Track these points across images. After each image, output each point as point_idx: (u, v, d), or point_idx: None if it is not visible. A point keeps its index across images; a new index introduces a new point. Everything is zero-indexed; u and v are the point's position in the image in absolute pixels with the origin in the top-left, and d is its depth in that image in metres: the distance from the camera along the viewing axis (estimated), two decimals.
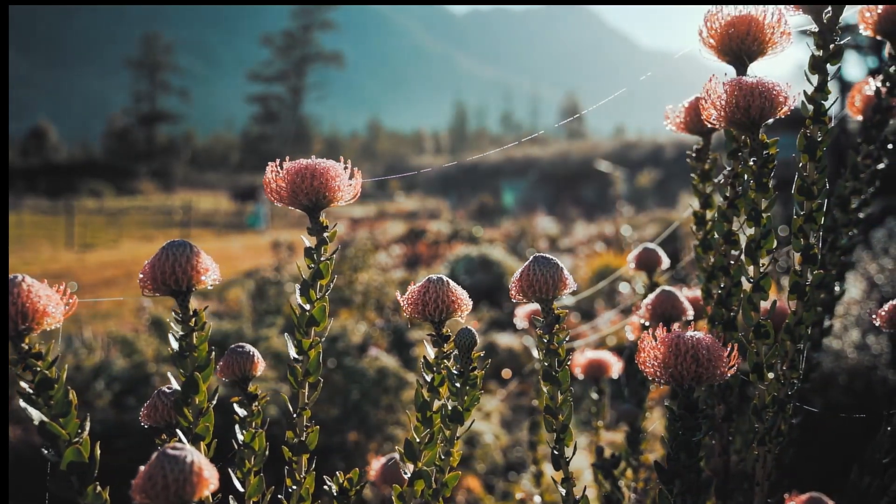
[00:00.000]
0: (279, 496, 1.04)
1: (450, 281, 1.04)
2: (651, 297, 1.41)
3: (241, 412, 1.08)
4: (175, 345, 0.93)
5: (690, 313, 1.39)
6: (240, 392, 1.10)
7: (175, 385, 0.96)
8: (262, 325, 5.34)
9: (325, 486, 1.02)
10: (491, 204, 32.60)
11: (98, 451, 0.85)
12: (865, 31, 1.41)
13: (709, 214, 1.31)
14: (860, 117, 1.52)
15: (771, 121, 1.23)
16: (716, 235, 1.22)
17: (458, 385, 0.99)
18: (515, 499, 2.60)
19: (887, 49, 1.39)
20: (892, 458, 1.14)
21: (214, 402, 0.97)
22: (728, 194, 1.13)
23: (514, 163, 46.34)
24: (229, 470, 1.07)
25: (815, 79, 1.07)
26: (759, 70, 1.08)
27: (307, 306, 1.02)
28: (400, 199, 49.25)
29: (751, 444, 1.08)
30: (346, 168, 1.03)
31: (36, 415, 0.81)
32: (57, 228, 25.66)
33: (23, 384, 0.84)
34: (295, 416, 1.04)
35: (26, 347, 0.85)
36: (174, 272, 0.90)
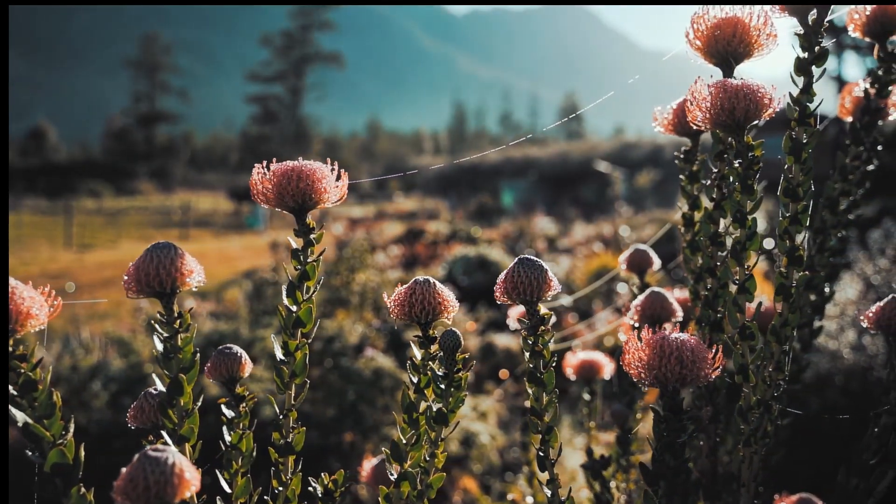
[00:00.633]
0: (265, 497, 1.05)
1: (436, 282, 1.04)
2: (640, 298, 1.41)
3: (229, 413, 1.08)
4: (160, 346, 0.93)
5: (679, 314, 1.39)
6: (228, 393, 1.10)
7: (160, 387, 0.96)
8: (258, 325, 5.35)
9: (310, 488, 1.02)
10: (490, 204, 32.60)
11: (83, 453, 0.85)
12: (854, 33, 1.41)
13: (697, 216, 1.31)
14: (850, 118, 1.52)
15: (762, 122, 1.23)
16: (700, 237, 1.22)
17: (442, 387, 0.99)
18: (508, 500, 2.60)
19: (876, 50, 1.40)
20: (878, 460, 1.14)
21: (199, 403, 0.97)
22: (714, 196, 1.13)
23: (513, 163, 46.34)
24: (217, 471, 1.07)
25: (800, 80, 1.07)
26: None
27: (294, 308, 1.02)
28: (399, 200, 49.26)
29: (736, 446, 1.08)
30: (333, 170, 1.03)
31: (20, 416, 0.81)
32: (56, 229, 25.66)
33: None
34: (281, 417, 1.04)
35: (11, 349, 0.85)
36: (158, 274, 0.90)
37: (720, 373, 1.12)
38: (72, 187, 52.70)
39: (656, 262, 1.68)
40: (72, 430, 0.85)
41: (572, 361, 1.87)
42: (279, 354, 1.03)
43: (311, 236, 1.03)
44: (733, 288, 1.06)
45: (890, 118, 1.50)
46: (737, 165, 1.03)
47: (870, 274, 4.19)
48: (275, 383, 1.00)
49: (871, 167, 1.49)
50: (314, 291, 1.03)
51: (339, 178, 1.03)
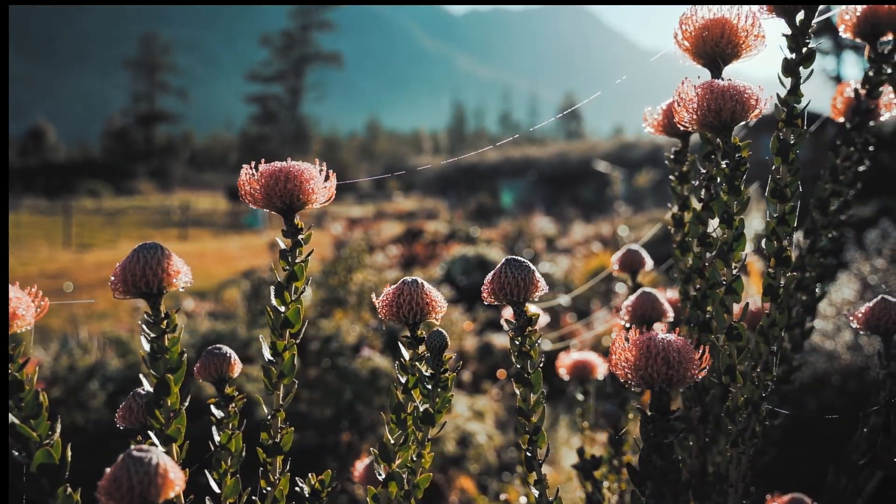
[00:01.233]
0: (253, 498, 1.05)
1: (424, 283, 1.04)
2: (631, 298, 1.41)
3: (219, 413, 1.08)
4: (147, 347, 0.93)
5: (670, 315, 1.39)
6: (218, 393, 1.10)
7: (148, 387, 0.97)
8: (256, 325, 5.35)
9: (297, 488, 1.02)
10: (489, 204, 32.61)
11: (69, 453, 0.86)
12: (845, 34, 1.41)
13: (687, 216, 1.31)
14: (842, 119, 1.53)
15: (752, 122, 1.23)
16: (690, 238, 1.22)
17: (429, 387, 0.99)
18: (501, 500, 2.60)
19: (866, 51, 1.40)
20: (868, 460, 1.14)
21: (187, 403, 0.97)
22: (703, 197, 1.14)
23: (512, 163, 46.33)
24: (206, 471, 1.07)
25: (788, 82, 1.07)
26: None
27: (282, 308, 1.02)
28: (398, 200, 49.25)
29: (724, 446, 1.08)
30: (321, 170, 1.03)
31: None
32: (55, 228, 25.66)
33: None
34: (269, 417, 1.04)
35: None
36: (145, 274, 0.90)
37: (708, 373, 1.12)
38: (71, 187, 52.70)
39: (648, 263, 1.68)
40: (58, 430, 0.85)
41: (566, 362, 1.87)
42: (267, 355, 1.03)
43: (300, 237, 1.03)
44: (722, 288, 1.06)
45: (881, 119, 1.50)
46: (724, 166, 1.03)
47: (867, 274, 4.20)
48: (263, 384, 1.00)
49: (862, 168, 1.49)
50: (302, 292, 1.03)
51: (327, 178, 1.03)
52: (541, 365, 1.02)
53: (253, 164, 1.03)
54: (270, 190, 0.98)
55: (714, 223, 1.08)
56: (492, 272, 1.02)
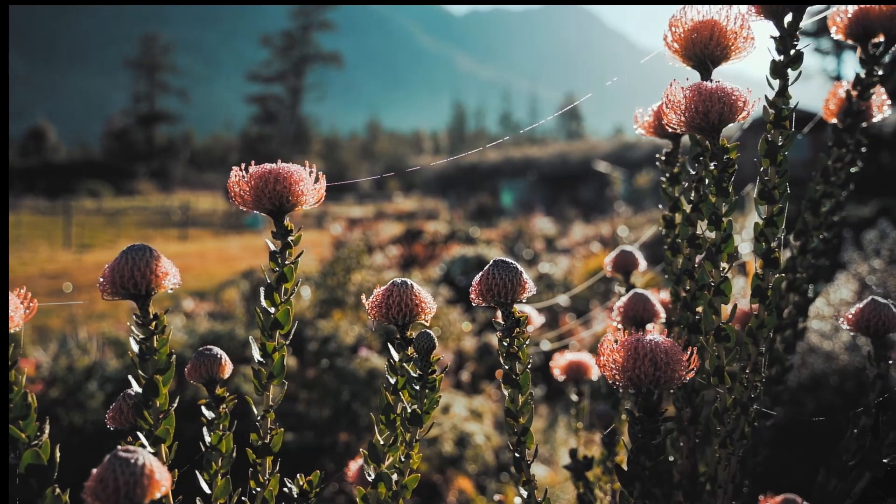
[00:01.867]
0: (243, 498, 1.05)
1: (414, 284, 1.05)
2: (623, 299, 1.41)
3: (209, 414, 1.08)
4: (135, 348, 0.94)
5: (662, 316, 1.39)
6: (208, 394, 1.10)
7: (136, 388, 0.97)
8: (255, 325, 5.35)
9: (286, 489, 1.02)
10: (489, 204, 32.63)
11: (58, 454, 0.86)
12: (837, 35, 1.41)
13: (678, 218, 1.31)
14: (834, 120, 1.53)
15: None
16: (680, 239, 1.23)
17: (417, 388, 1.00)
18: (495, 500, 2.60)
19: (858, 53, 1.40)
20: (857, 461, 1.14)
21: (175, 404, 0.97)
22: (692, 198, 1.14)
23: (512, 163, 46.34)
24: (196, 472, 1.07)
25: (776, 83, 1.07)
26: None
27: (272, 310, 1.02)
28: (398, 200, 49.28)
29: (713, 447, 1.09)
30: (311, 172, 1.04)
31: None
32: (55, 229, 25.67)
33: None
34: (259, 418, 1.04)
35: None
36: (133, 276, 0.90)
37: (695, 374, 1.12)
38: (71, 187, 52.74)
39: (642, 264, 1.68)
40: (47, 430, 0.86)
41: (560, 362, 1.88)
42: (257, 356, 1.03)
43: (289, 238, 1.03)
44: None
45: (874, 120, 1.50)
46: (712, 168, 1.03)
47: (865, 274, 4.20)
48: (253, 384, 1.00)
49: (854, 169, 1.49)
50: (292, 293, 1.03)
51: (316, 180, 1.03)
52: (529, 366, 1.02)
53: (243, 165, 1.03)
54: (260, 191, 0.98)
55: (704, 224, 1.08)
56: (479, 273, 1.02)
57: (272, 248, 1.04)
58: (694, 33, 1.05)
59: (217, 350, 1.11)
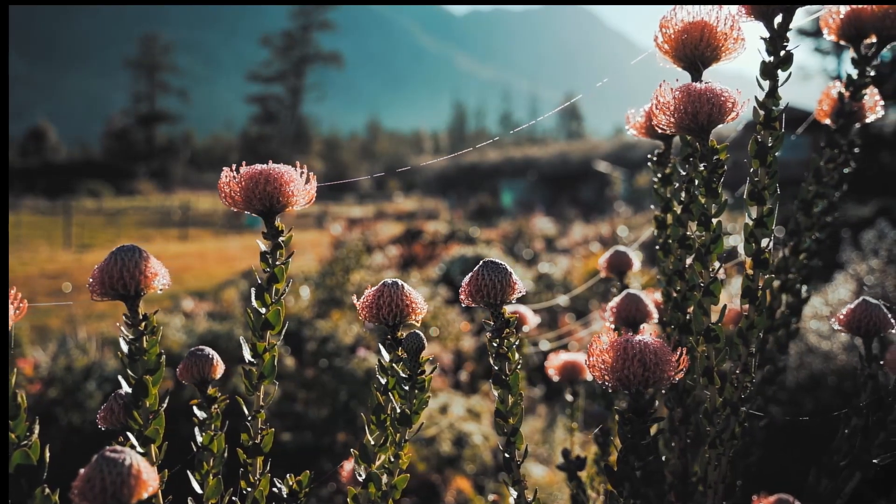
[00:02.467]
0: (234, 499, 1.05)
1: (404, 285, 1.05)
2: (616, 300, 1.41)
3: (201, 415, 1.08)
4: (125, 348, 0.94)
5: (655, 316, 1.39)
6: (200, 395, 1.11)
7: (126, 388, 0.97)
8: None
9: (275, 489, 1.02)
10: (490, 204, 32.63)
11: (48, 454, 0.86)
12: (829, 36, 1.41)
13: (669, 219, 1.32)
14: (827, 121, 1.53)
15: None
16: (671, 240, 1.23)
17: (406, 388, 1.00)
18: (490, 500, 2.60)
19: (850, 53, 1.40)
20: (848, 461, 1.14)
21: (165, 404, 0.98)
22: (683, 199, 1.14)
23: (513, 163, 46.37)
24: (188, 471, 1.08)
25: (766, 84, 1.08)
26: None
27: (262, 310, 1.03)
28: (399, 200, 49.29)
29: (702, 448, 1.09)
30: (302, 173, 1.04)
31: None
32: (55, 229, 25.68)
33: None
34: (250, 418, 1.04)
35: None
36: (122, 277, 0.90)
37: (688, 375, 1.12)
38: (71, 187, 52.77)
39: (636, 265, 1.68)
40: (37, 430, 0.86)
41: (555, 363, 1.88)
42: (247, 356, 1.03)
43: (280, 239, 1.03)
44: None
45: (867, 121, 1.51)
46: (701, 169, 1.03)
47: (863, 274, 4.20)
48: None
49: (847, 170, 1.50)
50: (283, 294, 1.04)
51: (307, 181, 1.03)
52: (519, 367, 1.02)
53: (234, 166, 1.03)
54: (250, 192, 0.98)
55: (694, 225, 1.08)
56: (469, 274, 1.02)
57: (263, 248, 1.04)
58: (684, 34, 1.05)
59: (209, 350, 1.11)
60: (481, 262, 1.01)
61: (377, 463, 1.03)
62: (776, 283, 1.48)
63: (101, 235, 25.88)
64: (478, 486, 4.15)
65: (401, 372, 1.00)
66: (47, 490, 0.85)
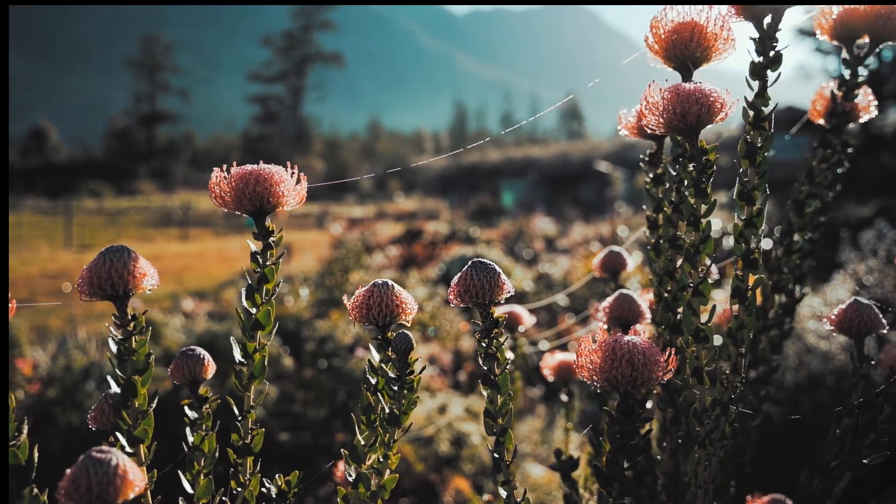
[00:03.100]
0: (224, 499, 1.05)
1: (395, 285, 1.05)
2: (609, 300, 1.41)
3: (192, 415, 1.08)
4: (114, 348, 0.94)
5: (648, 317, 1.39)
6: (191, 395, 1.11)
7: (115, 388, 0.97)
8: None
9: (264, 489, 1.03)
10: (490, 204, 32.62)
11: (36, 454, 0.86)
12: (822, 36, 1.41)
13: (661, 219, 1.32)
14: (821, 121, 1.53)
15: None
16: (662, 240, 1.23)
17: (395, 388, 1.00)
18: (484, 500, 2.60)
19: (843, 54, 1.40)
20: (839, 461, 1.14)
21: (154, 404, 0.98)
22: (674, 199, 1.14)
23: (513, 163, 46.37)
24: (179, 471, 1.08)
25: (755, 85, 1.08)
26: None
27: (253, 310, 1.03)
28: (399, 200, 49.30)
29: (692, 448, 1.09)
30: (293, 174, 1.04)
31: None
32: (56, 229, 25.70)
33: None
34: (240, 418, 1.05)
35: None
36: (110, 277, 0.90)
37: (679, 375, 1.12)
38: (72, 187, 52.84)
39: (630, 265, 1.68)
40: (25, 430, 0.86)
41: (550, 363, 1.88)
42: (238, 356, 1.04)
43: (271, 239, 1.03)
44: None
45: (860, 121, 1.50)
46: (691, 169, 1.03)
47: (862, 274, 4.20)
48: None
49: (840, 170, 1.50)
50: (273, 294, 1.04)
51: (298, 181, 1.03)
52: (507, 367, 1.02)
53: (224, 166, 1.03)
54: (240, 193, 0.99)
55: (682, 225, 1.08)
56: (457, 275, 1.02)
57: (254, 248, 1.04)
58: (674, 35, 1.05)
59: (200, 350, 1.11)
60: (470, 262, 1.01)
61: (367, 463, 1.03)
62: (769, 283, 1.48)
63: (101, 235, 25.89)
64: (476, 486, 4.15)
65: (390, 372, 1.01)
66: (35, 490, 0.85)
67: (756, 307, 1.11)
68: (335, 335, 4.85)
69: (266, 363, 1.03)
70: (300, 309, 5.94)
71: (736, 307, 1.08)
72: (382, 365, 1.02)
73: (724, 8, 1.07)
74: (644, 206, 1.37)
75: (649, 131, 1.02)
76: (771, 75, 1.06)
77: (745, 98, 1.08)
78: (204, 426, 1.08)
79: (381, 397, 1.03)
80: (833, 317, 1.24)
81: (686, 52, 1.05)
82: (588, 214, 24.90)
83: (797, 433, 3.25)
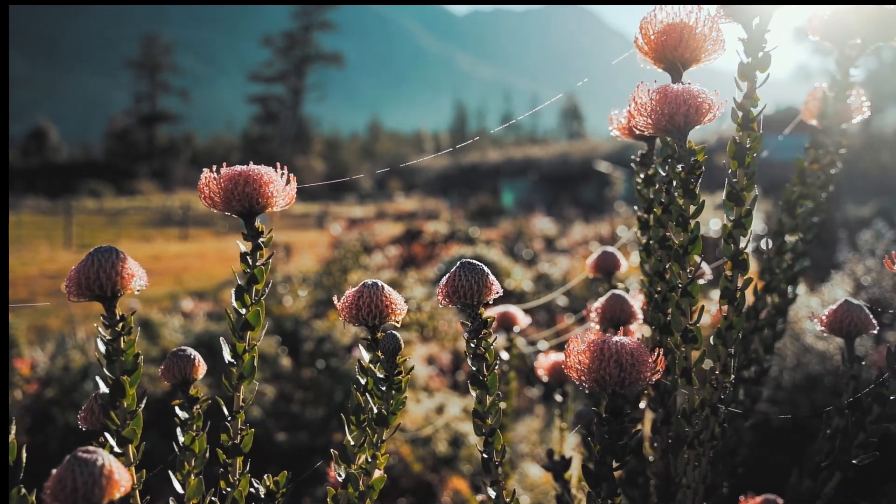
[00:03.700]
0: (213, 499, 1.06)
1: (385, 286, 1.05)
2: (601, 300, 1.42)
3: (182, 415, 1.09)
4: (102, 349, 0.94)
5: (640, 317, 1.40)
6: (181, 395, 1.11)
7: (104, 388, 0.97)
8: None
9: (252, 489, 1.03)
10: (490, 204, 32.62)
11: (24, 454, 0.87)
12: (814, 38, 1.41)
13: (651, 219, 1.32)
14: (813, 121, 1.53)
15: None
16: (652, 241, 1.23)
17: (383, 389, 1.00)
18: (478, 499, 2.61)
19: (835, 55, 1.40)
20: (828, 462, 1.14)
21: (143, 405, 0.98)
22: (663, 200, 1.14)
23: (513, 163, 46.37)
24: (170, 471, 1.08)
25: (744, 86, 1.08)
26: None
27: (242, 311, 1.03)
28: (399, 200, 49.30)
29: (681, 448, 1.09)
30: (282, 174, 1.04)
31: None
32: (56, 229, 25.70)
33: None
34: (230, 418, 1.05)
35: None
36: (98, 277, 0.91)
37: (664, 375, 1.12)
38: (72, 187, 52.88)
39: (623, 265, 1.69)
40: (13, 431, 0.86)
41: (544, 363, 1.88)
42: (227, 356, 1.04)
43: (260, 240, 1.03)
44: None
45: (853, 122, 1.51)
46: (679, 170, 1.04)
47: (860, 274, 4.20)
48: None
49: (833, 171, 1.50)
50: (263, 295, 1.04)
51: (288, 182, 1.04)
52: (496, 368, 1.02)
53: (214, 167, 1.04)
54: (229, 193, 0.99)
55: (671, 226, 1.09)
56: (446, 275, 1.02)
57: (243, 249, 1.04)
58: (664, 36, 1.05)
59: (190, 350, 1.12)
60: (458, 262, 1.01)
61: (356, 463, 1.03)
62: (760, 284, 1.48)
63: (101, 235, 25.89)
64: (474, 487, 4.15)
65: (378, 372, 1.01)
66: (23, 490, 0.85)
67: (747, 308, 1.11)
68: (333, 335, 4.85)
69: (256, 363, 1.03)
70: (299, 309, 5.94)
71: (725, 308, 1.08)
72: (371, 365, 1.03)
73: (713, 9, 1.07)
74: (635, 207, 1.37)
75: (638, 132, 1.02)
76: (760, 76, 1.06)
77: (734, 99, 1.08)
78: (195, 426, 1.09)
79: (369, 398, 1.03)
80: (824, 318, 1.24)
81: (675, 53, 1.05)
82: (588, 214, 24.90)
83: (793, 434, 3.25)
